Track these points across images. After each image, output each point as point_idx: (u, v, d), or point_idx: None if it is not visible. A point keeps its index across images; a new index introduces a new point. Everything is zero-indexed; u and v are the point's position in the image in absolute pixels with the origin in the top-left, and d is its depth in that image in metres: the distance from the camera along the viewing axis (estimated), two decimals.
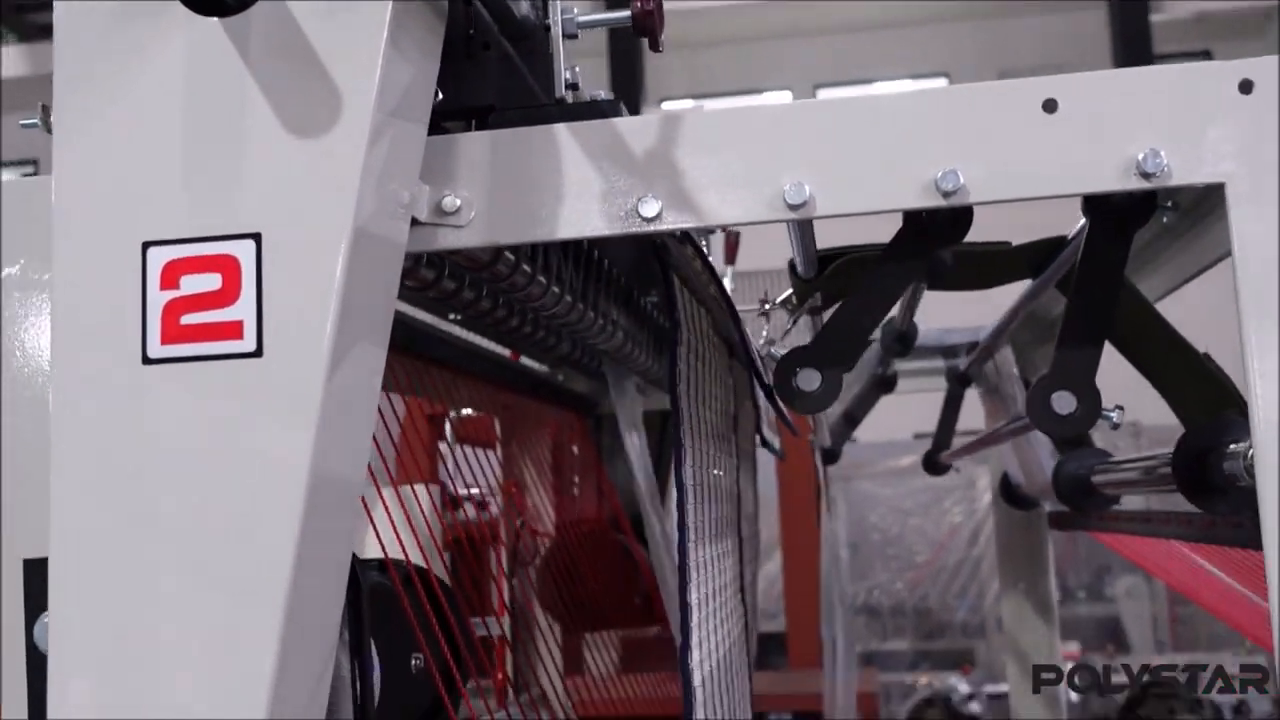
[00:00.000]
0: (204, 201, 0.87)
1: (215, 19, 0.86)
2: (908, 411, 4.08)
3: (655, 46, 1.08)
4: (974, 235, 1.10)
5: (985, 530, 7.94)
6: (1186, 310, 1.71)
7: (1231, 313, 0.90)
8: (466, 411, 2.49)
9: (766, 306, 1.97)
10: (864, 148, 0.96)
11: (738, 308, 1.53)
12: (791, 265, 1.56)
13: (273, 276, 0.85)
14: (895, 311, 2.10)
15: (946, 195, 0.93)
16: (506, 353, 2.13)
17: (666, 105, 12.88)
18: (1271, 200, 0.90)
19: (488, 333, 1.84)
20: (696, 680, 1.18)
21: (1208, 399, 1.31)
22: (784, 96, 12.90)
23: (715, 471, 1.47)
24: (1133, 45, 12.14)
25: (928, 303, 1.97)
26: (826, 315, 1.64)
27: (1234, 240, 0.91)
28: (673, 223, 0.97)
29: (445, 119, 1.04)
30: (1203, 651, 7.22)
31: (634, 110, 1.04)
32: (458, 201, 0.98)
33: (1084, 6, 12.87)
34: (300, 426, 0.83)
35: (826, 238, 1.50)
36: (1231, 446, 1.17)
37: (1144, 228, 1.07)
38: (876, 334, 2.22)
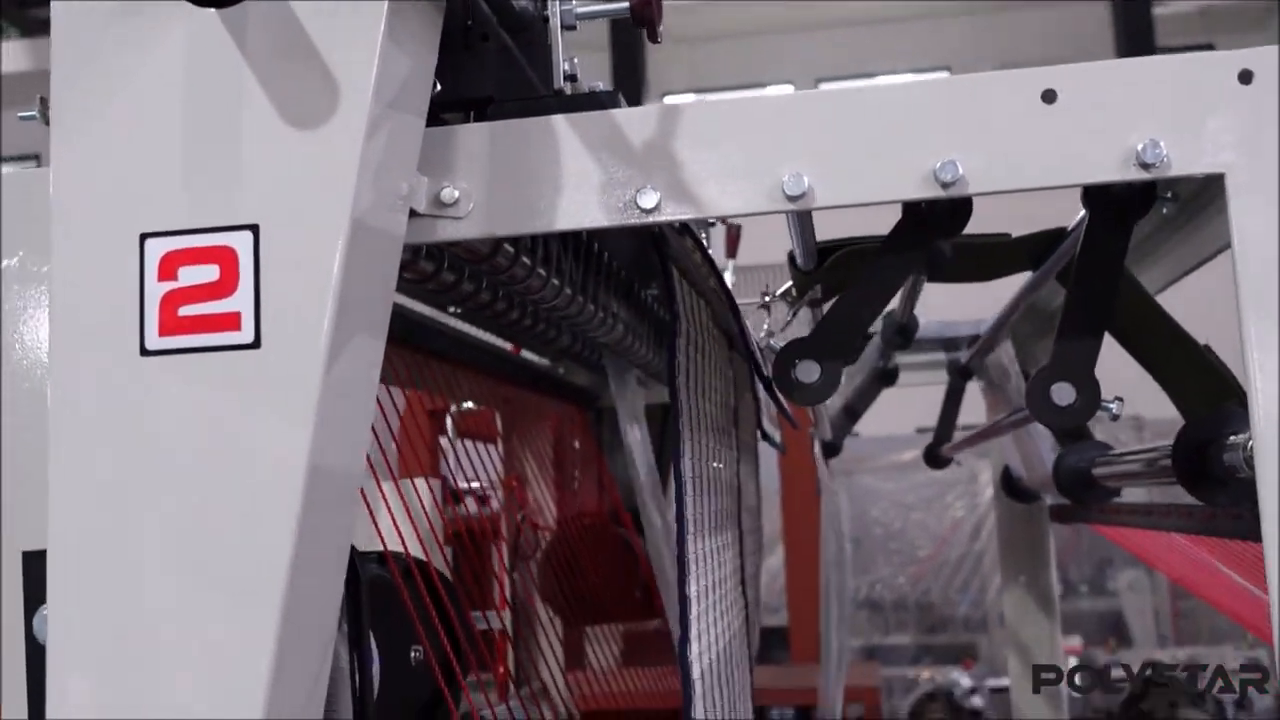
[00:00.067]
0: (202, 193, 0.87)
1: (213, 10, 0.86)
2: (910, 406, 4.08)
3: (654, 38, 1.08)
4: (977, 229, 1.10)
5: (987, 525, 7.94)
6: (1187, 303, 1.71)
7: (1232, 305, 0.90)
8: (468, 405, 2.49)
9: (767, 299, 1.97)
10: (863, 139, 0.95)
11: (739, 301, 1.53)
12: (791, 257, 1.55)
13: (271, 268, 0.85)
14: (896, 304, 2.09)
15: (945, 186, 0.93)
16: (507, 346, 2.13)
17: (668, 99, 12.86)
18: (1271, 191, 0.90)
19: (488, 326, 1.84)
20: (695, 673, 1.18)
21: (1208, 391, 1.31)
22: (786, 90, 12.89)
23: (715, 464, 1.47)
24: (1135, 39, 12.12)
25: (930, 296, 1.97)
26: (826, 307, 1.64)
27: (1233, 231, 0.91)
28: (671, 214, 0.97)
29: (444, 110, 1.04)
30: (1204, 645, 7.22)
31: (635, 104, 1.03)
32: (456, 193, 0.98)
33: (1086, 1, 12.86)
34: (298, 418, 0.83)
35: (830, 229, 1.50)
36: (1231, 438, 1.17)
37: (1144, 219, 1.07)
38: (877, 326, 2.22)
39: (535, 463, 2.60)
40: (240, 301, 0.85)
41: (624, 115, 0.98)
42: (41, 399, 0.88)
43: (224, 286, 0.85)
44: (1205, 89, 0.92)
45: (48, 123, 0.93)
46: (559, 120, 0.99)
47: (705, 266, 1.38)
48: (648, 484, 1.72)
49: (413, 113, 0.95)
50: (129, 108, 0.89)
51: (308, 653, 0.86)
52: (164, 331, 0.85)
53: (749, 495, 2.04)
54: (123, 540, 0.84)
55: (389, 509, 1.32)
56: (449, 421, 2.50)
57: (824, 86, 12.90)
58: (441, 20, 0.99)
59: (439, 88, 1.00)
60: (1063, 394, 1.05)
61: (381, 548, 1.19)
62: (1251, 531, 0.91)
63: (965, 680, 6.56)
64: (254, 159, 0.87)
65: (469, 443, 2.23)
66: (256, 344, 0.84)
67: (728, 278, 2.08)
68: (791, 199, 0.94)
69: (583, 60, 1.11)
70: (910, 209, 1.06)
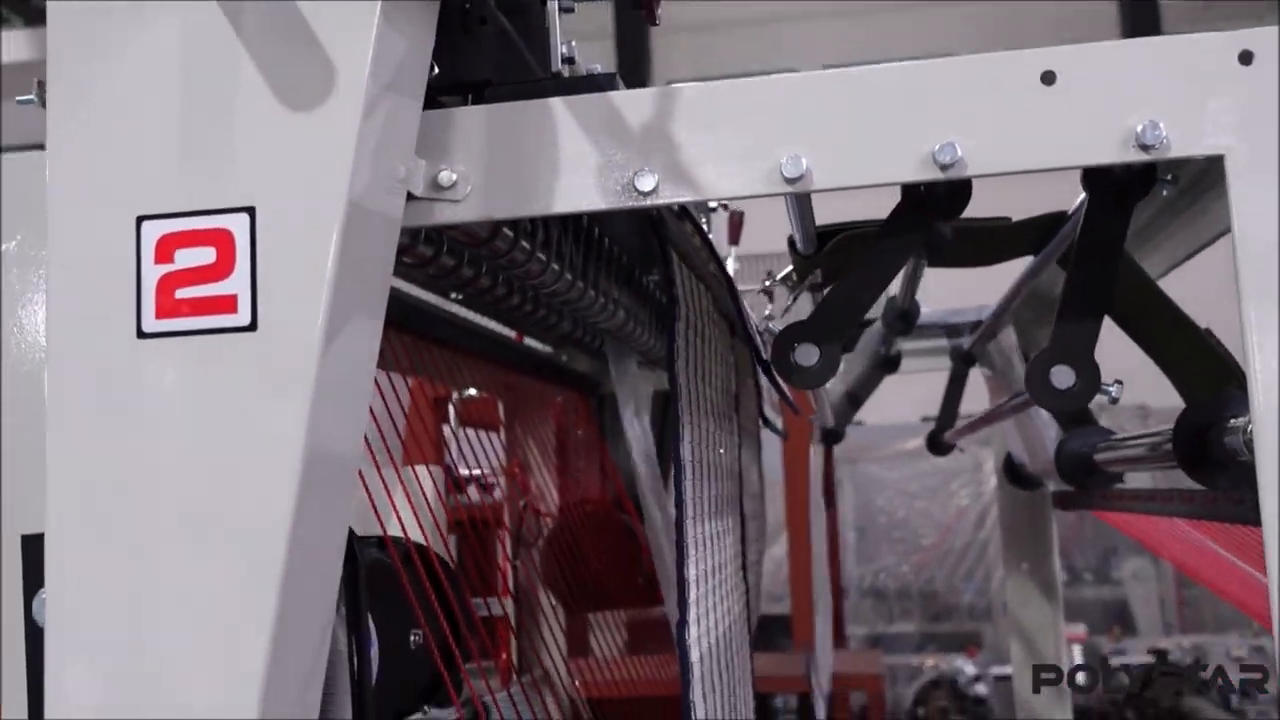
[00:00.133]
0: (198, 175, 0.87)
1: None
2: (914, 395, 4.08)
3: (653, 20, 1.07)
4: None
5: (992, 513, 7.93)
6: (1189, 287, 1.71)
7: (1233, 289, 0.89)
8: (470, 392, 2.49)
9: (768, 283, 1.97)
10: (861, 121, 0.95)
11: (742, 289, 1.53)
12: (791, 242, 1.55)
13: (267, 250, 0.85)
14: (897, 290, 2.09)
15: (944, 168, 0.92)
16: (510, 333, 2.13)
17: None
18: (1271, 172, 0.89)
19: (489, 311, 1.83)
20: (694, 656, 1.18)
21: (1209, 375, 1.31)
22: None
23: (715, 449, 1.47)
24: (1142, 29, 12.08)
25: (934, 287, 1.96)
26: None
27: (1233, 213, 0.90)
28: (669, 196, 0.97)
29: (441, 94, 1.04)
30: (1210, 634, 7.21)
31: None
32: (454, 176, 0.97)
33: None
34: (295, 401, 0.83)
35: (834, 214, 1.50)
36: (1232, 421, 1.17)
37: (1145, 203, 1.06)
38: (879, 312, 2.21)
39: (538, 449, 2.59)
40: (237, 284, 0.85)
41: (622, 98, 0.98)
42: (40, 382, 0.88)
43: (221, 269, 0.85)
44: (1205, 70, 0.92)
45: (45, 106, 0.93)
46: (556, 103, 0.98)
47: (705, 251, 1.37)
48: (646, 471, 1.72)
49: (409, 95, 0.94)
50: (125, 90, 0.89)
51: (306, 634, 0.86)
52: (161, 314, 0.85)
53: (751, 481, 2.04)
54: (120, 522, 0.84)
55: (390, 496, 1.32)
56: (451, 410, 2.50)
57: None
58: (439, 2, 0.99)
59: (436, 71, 1.00)
60: (1062, 377, 1.04)
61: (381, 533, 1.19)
62: (1253, 516, 0.91)
63: (969, 668, 6.55)
64: (250, 141, 0.87)
65: (471, 431, 2.23)
66: (253, 326, 0.84)
67: (730, 265, 2.08)
68: (789, 181, 0.94)
69: (587, 49, 1.10)
70: (909, 191, 1.06)
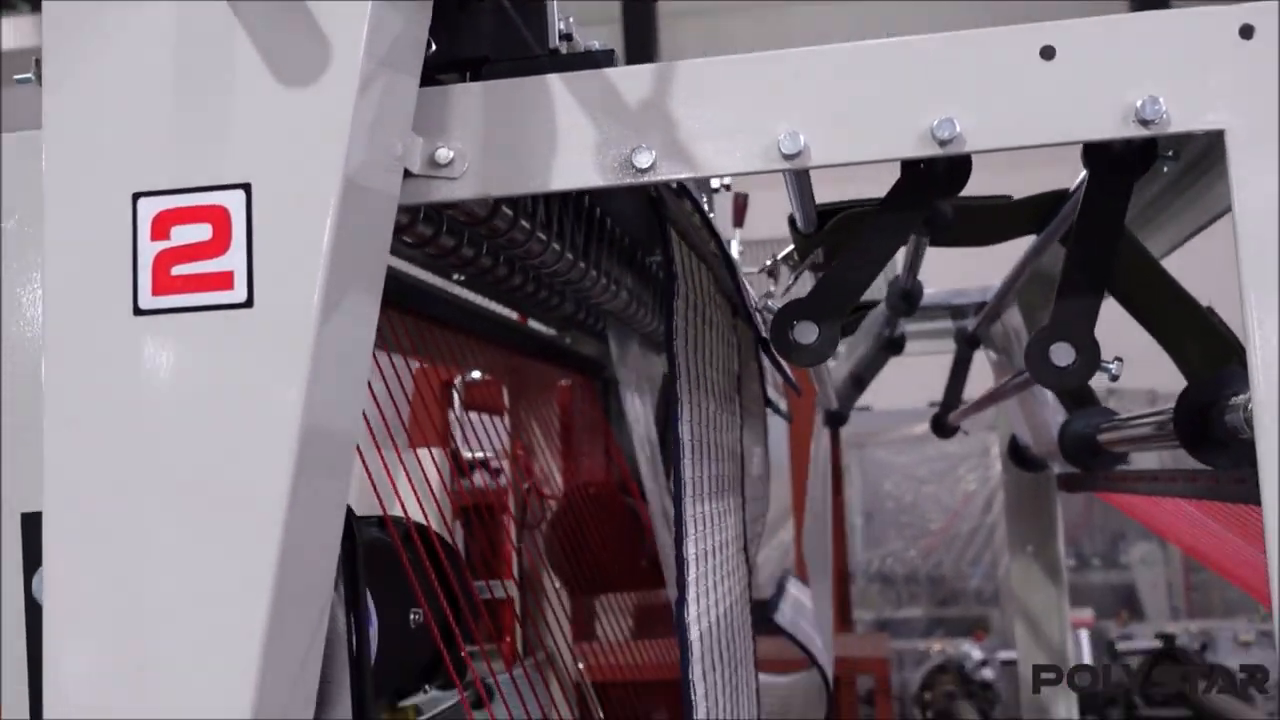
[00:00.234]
0: (194, 152, 0.87)
1: None
2: (922, 379, 4.07)
3: None
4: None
5: (999, 498, 7.90)
6: (1190, 266, 1.70)
7: (1234, 267, 0.89)
8: (475, 375, 2.49)
9: (769, 264, 1.97)
10: (859, 96, 0.95)
11: (746, 272, 1.52)
12: (792, 221, 1.55)
13: (263, 227, 0.85)
14: (900, 270, 2.08)
15: (943, 144, 0.92)
16: (514, 316, 2.13)
17: None
18: (1271, 147, 0.89)
19: (490, 292, 1.83)
20: (694, 635, 1.18)
21: (1211, 353, 1.30)
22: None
23: (716, 429, 1.47)
24: (1150, 3, 12.00)
25: (934, 263, 1.95)
26: None
27: (1233, 189, 0.90)
28: (667, 173, 0.96)
29: (439, 71, 1.03)
30: (1217, 618, 7.20)
31: None
32: (451, 153, 0.97)
33: None
34: (292, 378, 0.83)
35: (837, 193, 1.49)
36: (1233, 399, 1.16)
37: (1148, 182, 1.06)
38: (883, 293, 2.21)
39: (542, 432, 2.60)
40: (233, 260, 0.85)
41: (619, 74, 0.98)
42: (38, 360, 0.88)
43: (217, 245, 0.85)
44: (1205, 44, 0.91)
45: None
46: (554, 80, 0.98)
47: (705, 230, 1.37)
48: (647, 454, 1.72)
49: (406, 72, 0.94)
50: (120, 67, 0.89)
51: (304, 610, 0.87)
52: (157, 291, 0.85)
53: (754, 463, 2.03)
54: (118, 500, 0.84)
55: (390, 478, 1.32)
56: (455, 394, 2.50)
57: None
58: None
59: (434, 47, 1.00)
60: (1062, 354, 1.04)
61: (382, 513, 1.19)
62: (1255, 496, 0.90)
63: (976, 653, 6.54)
64: (245, 117, 0.86)
65: (476, 414, 2.23)
66: (249, 303, 0.84)
67: (735, 248, 2.08)
68: (787, 157, 0.94)
69: (595, 34, 1.10)
70: (909, 168, 1.05)
